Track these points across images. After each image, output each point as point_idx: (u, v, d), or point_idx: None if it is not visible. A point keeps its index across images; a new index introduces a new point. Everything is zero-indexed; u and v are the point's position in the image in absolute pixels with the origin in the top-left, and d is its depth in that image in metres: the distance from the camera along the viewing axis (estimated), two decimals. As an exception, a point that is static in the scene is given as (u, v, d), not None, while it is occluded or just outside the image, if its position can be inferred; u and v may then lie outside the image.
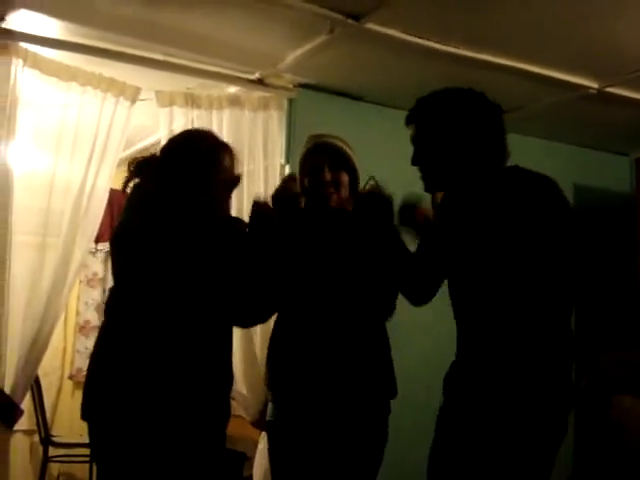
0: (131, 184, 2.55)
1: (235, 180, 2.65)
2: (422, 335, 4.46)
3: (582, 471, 4.84)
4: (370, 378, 2.72)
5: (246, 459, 5.00)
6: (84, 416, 2.43)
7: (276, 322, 2.82)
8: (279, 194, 2.82)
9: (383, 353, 2.80)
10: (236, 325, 2.72)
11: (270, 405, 2.82)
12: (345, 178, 2.81)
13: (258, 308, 2.63)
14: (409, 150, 4.70)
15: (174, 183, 2.49)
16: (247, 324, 2.90)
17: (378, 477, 2.80)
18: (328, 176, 2.78)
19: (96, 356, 2.47)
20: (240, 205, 4.08)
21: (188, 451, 2.40)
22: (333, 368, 2.68)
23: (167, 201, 2.46)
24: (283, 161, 4.24)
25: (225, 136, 4.10)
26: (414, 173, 4.75)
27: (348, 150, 2.85)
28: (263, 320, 2.79)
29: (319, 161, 2.80)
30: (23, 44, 3.60)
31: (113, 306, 2.50)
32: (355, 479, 2.73)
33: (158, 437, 2.34)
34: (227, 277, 2.45)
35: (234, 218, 2.70)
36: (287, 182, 2.88)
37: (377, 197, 2.81)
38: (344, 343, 2.69)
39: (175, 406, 2.35)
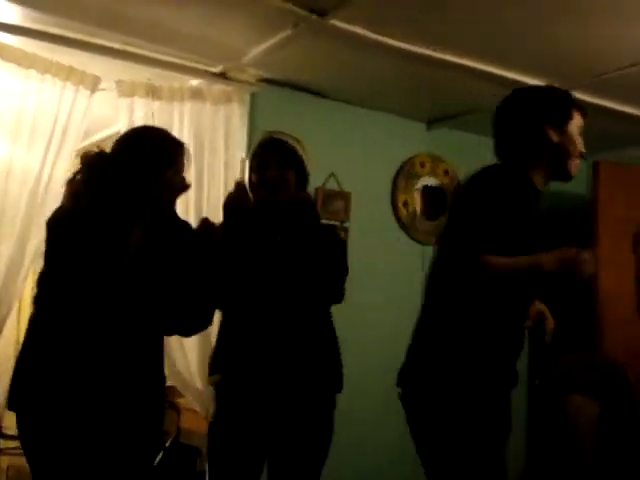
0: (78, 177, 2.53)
1: (183, 184, 2.63)
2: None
3: (534, 467, 4.91)
4: (316, 372, 2.73)
5: (199, 453, 4.98)
6: (10, 406, 2.40)
7: (222, 317, 2.83)
8: (230, 205, 2.81)
9: (329, 346, 2.80)
10: (176, 334, 2.72)
11: (213, 405, 2.82)
12: (291, 176, 2.80)
13: (196, 320, 2.64)
14: (370, 147, 4.74)
15: (120, 175, 2.46)
16: (187, 334, 2.83)
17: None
18: (274, 173, 2.77)
19: (24, 346, 2.44)
20: (200, 199, 4.07)
21: (115, 445, 2.37)
22: (277, 362, 2.68)
23: (109, 191, 2.43)
24: (244, 155, 4.22)
25: (186, 129, 4.10)
26: (374, 170, 4.80)
27: (298, 148, 2.84)
28: (203, 329, 2.76)
29: (266, 157, 2.80)
30: (-18, 30, 3.54)
31: (41, 294, 2.46)
32: (299, 476, 2.74)
33: (84, 429, 2.32)
34: (162, 277, 2.45)
35: (180, 219, 2.66)
36: (239, 192, 2.85)
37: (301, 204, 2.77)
38: (288, 337, 2.70)
39: (102, 398, 2.33)
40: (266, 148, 2.84)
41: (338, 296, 2.81)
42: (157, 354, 2.52)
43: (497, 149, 2.59)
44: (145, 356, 2.44)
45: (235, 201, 2.81)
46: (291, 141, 2.84)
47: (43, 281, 2.46)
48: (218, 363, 2.81)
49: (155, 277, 2.43)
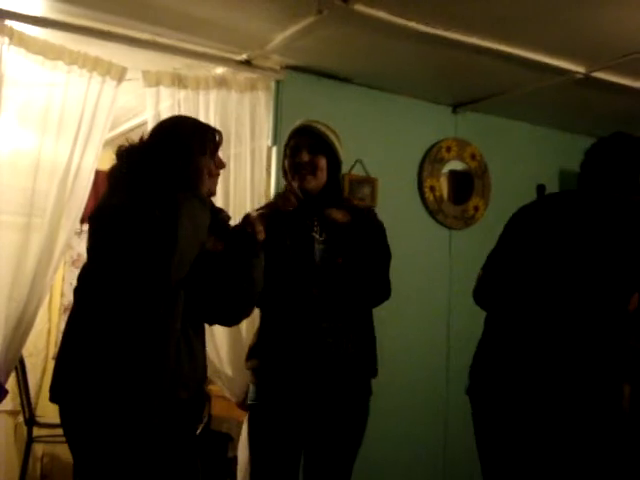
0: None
1: (219, 167, 2.64)
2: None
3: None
4: (352, 358, 2.75)
5: (230, 440, 5.02)
6: (52, 398, 2.42)
7: (262, 309, 2.85)
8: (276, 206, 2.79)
9: (366, 333, 2.83)
10: (219, 323, 2.74)
11: (251, 387, 2.85)
12: (323, 162, 2.84)
13: (238, 311, 2.64)
14: (396, 132, 4.71)
15: (156, 167, 2.47)
16: (229, 324, 2.88)
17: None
18: (305, 157, 2.82)
19: (65, 339, 2.46)
20: (227, 188, 4.08)
21: (162, 435, 2.39)
22: (315, 347, 2.72)
23: (149, 184, 2.44)
24: (270, 143, 4.24)
25: (212, 117, 4.10)
26: (400, 155, 4.78)
27: (330, 134, 2.88)
28: (244, 318, 2.77)
29: (298, 142, 2.86)
30: (9, 22, 3.56)
31: (82, 288, 2.48)
32: (335, 460, 2.77)
33: (130, 421, 2.34)
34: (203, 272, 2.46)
35: (218, 210, 2.68)
36: (287, 196, 2.81)
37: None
38: (329, 326, 2.72)
39: (144, 389, 2.34)
40: (298, 134, 2.89)
41: (386, 293, 2.88)
42: (199, 344, 2.54)
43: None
44: (188, 347, 2.45)
45: (283, 204, 2.80)
46: (322, 127, 2.88)
47: (87, 276, 2.48)
48: (258, 349, 2.84)
49: (202, 269, 2.45)
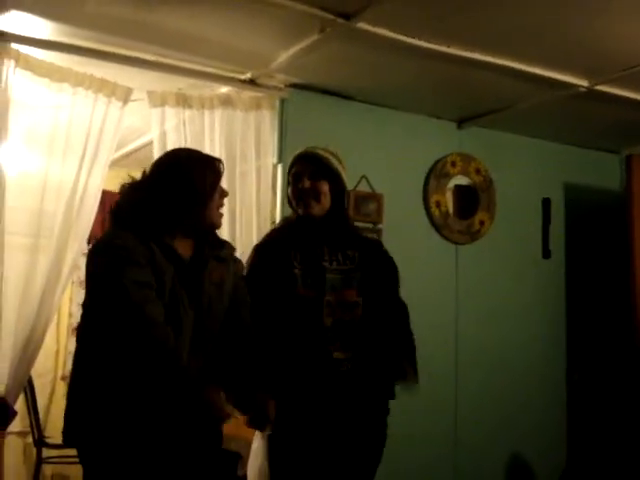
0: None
1: (222, 195, 2.59)
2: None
3: (576, 465, 4.88)
4: (370, 380, 2.76)
5: (240, 458, 5.00)
6: (67, 443, 2.42)
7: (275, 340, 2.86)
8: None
9: (381, 356, 2.83)
10: None
11: None
12: (325, 187, 2.84)
13: None
14: (401, 148, 4.74)
15: (154, 198, 2.46)
16: None
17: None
18: (307, 184, 2.83)
19: (72, 382, 2.45)
20: (233, 206, 4.09)
21: (178, 460, 2.41)
22: (334, 369, 2.72)
23: (145, 216, 2.43)
24: (275, 161, 4.25)
25: (217, 136, 4.13)
26: (405, 171, 4.80)
27: (332, 159, 2.88)
28: None
29: (299, 170, 2.87)
30: (15, 45, 3.59)
31: (82, 325, 2.47)
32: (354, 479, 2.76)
33: (145, 463, 2.35)
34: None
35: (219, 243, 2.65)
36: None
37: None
38: (344, 356, 2.74)
39: (159, 434, 2.35)
40: (299, 161, 2.90)
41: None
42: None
43: None
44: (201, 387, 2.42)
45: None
46: (323, 153, 2.89)
47: (90, 314, 2.44)
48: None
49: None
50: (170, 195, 2.44)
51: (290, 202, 2.92)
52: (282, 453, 2.79)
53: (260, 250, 2.93)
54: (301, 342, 2.74)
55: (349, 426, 2.73)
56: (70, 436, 2.41)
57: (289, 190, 2.91)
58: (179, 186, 2.45)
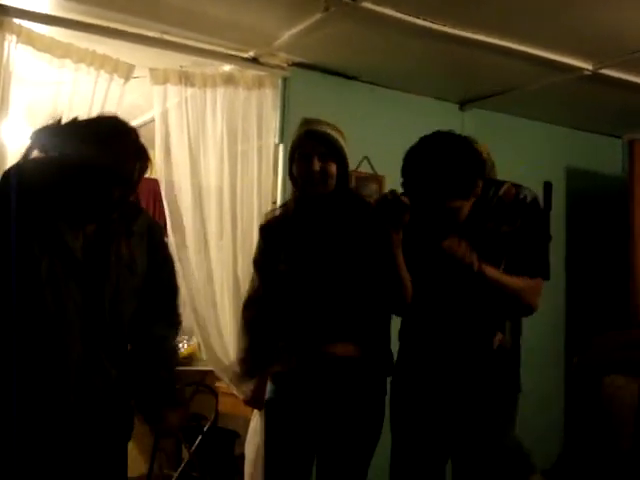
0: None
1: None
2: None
3: (572, 449, 4.89)
4: (368, 356, 2.75)
5: (237, 437, 5.04)
6: None
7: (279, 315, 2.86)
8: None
9: (381, 330, 2.82)
10: None
11: (270, 386, 2.85)
12: (333, 168, 2.74)
13: None
14: (402, 129, 4.72)
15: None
16: None
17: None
18: (317, 166, 2.72)
19: None
20: (234, 184, 4.08)
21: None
22: (329, 346, 2.71)
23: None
24: (277, 140, 4.24)
25: (219, 115, 4.12)
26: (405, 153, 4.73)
27: (340, 140, 2.79)
28: None
29: (309, 149, 2.74)
30: (17, 20, 3.57)
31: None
32: (347, 461, 2.76)
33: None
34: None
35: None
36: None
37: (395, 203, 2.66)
38: (343, 322, 2.72)
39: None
40: (307, 139, 2.77)
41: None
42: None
43: None
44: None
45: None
46: (333, 133, 2.78)
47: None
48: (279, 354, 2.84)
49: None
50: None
51: (293, 179, 2.82)
52: (279, 428, 2.80)
53: (265, 231, 2.93)
54: (305, 318, 2.74)
55: (344, 404, 2.71)
56: None
57: (294, 167, 2.79)
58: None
